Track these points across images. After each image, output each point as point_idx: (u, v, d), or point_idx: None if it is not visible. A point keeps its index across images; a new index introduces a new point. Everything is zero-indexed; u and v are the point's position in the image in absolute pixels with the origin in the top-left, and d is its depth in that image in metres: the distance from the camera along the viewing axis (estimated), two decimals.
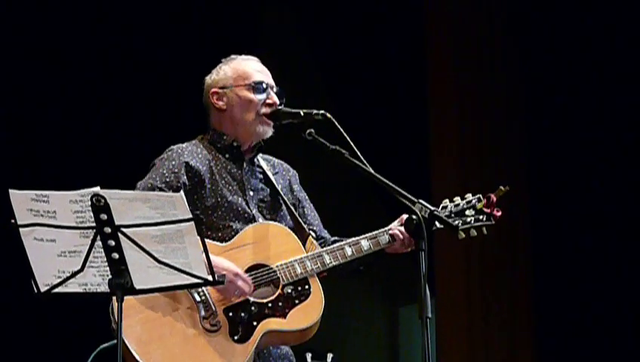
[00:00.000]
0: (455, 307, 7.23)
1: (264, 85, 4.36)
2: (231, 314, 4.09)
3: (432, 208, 3.95)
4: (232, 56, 4.48)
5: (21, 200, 3.45)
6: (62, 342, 6.65)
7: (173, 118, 6.72)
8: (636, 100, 6.98)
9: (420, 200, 4.01)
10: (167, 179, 4.22)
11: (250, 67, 4.41)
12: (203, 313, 4.06)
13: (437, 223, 4.02)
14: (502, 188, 4.38)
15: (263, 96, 4.35)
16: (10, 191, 3.45)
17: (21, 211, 3.45)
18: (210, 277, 3.54)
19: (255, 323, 4.09)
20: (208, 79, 4.45)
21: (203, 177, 4.26)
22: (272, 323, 4.11)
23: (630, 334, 6.92)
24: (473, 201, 4.40)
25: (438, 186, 7.25)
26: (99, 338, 4.45)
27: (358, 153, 4.07)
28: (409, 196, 4.04)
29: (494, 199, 4.38)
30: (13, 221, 3.45)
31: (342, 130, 4.11)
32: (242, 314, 4.10)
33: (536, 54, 7.25)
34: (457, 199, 4.41)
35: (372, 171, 4.06)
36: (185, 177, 4.24)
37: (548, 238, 7.16)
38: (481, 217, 4.39)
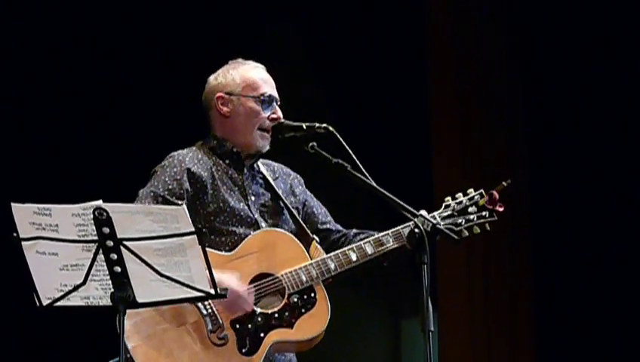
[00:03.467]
0: (457, 320, 7.21)
1: (271, 98, 4.37)
2: (238, 326, 4.09)
3: (434, 221, 3.96)
4: (240, 60, 4.47)
5: (23, 213, 3.45)
6: (69, 359, 6.63)
7: (177, 129, 6.70)
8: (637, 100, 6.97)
9: (422, 214, 4.02)
10: (170, 187, 4.21)
11: (259, 77, 4.41)
12: (210, 327, 4.06)
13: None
14: (504, 183, 4.38)
15: (269, 111, 4.36)
16: (13, 204, 3.45)
17: (23, 224, 3.45)
18: (212, 291, 3.54)
19: (262, 335, 4.09)
20: (213, 80, 4.43)
21: (205, 183, 4.26)
22: (279, 334, 4.11)
23: (636, 348, 6.90)
24: (475, 198, 4.38)
25: (440, 193, 7.22)
26: (107, 355, 4.43)
27: (361, 166, 4.07)
28: (411, 209, 4.06)
29: (496, 196, 4.37)
30: (15, 234, 3.45)
31: (344, 143, 4.12)
32: (249, 326, 4.09)
33: (539, 54, 7.23)
34: (460, 196, 4.39)
35: (374, 184, 4.06)
36: (187, 184, 4.23)
37: (551, 251, 7.14)
38: (484, 214, 4.38)
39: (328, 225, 4.45)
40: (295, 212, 4.38)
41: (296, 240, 4.27)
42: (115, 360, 4.23)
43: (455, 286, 7.22)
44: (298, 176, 4.56)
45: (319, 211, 4.49)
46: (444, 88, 7.38)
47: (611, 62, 7.01)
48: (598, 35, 7.03)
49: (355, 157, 4.07)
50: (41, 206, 3.46)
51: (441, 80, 7.38)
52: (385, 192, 4.02)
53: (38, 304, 3.51)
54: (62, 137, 6.89)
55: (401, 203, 4.05)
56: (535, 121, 7.26)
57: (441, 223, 4.27)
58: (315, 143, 4.19)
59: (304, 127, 4.27)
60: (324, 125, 4.23)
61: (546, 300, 7.13)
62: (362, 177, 4.06)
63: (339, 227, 4.48)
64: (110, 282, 3.49)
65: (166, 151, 4.41)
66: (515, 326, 7.20)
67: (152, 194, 4.19)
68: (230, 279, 4.05)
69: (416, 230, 3.86)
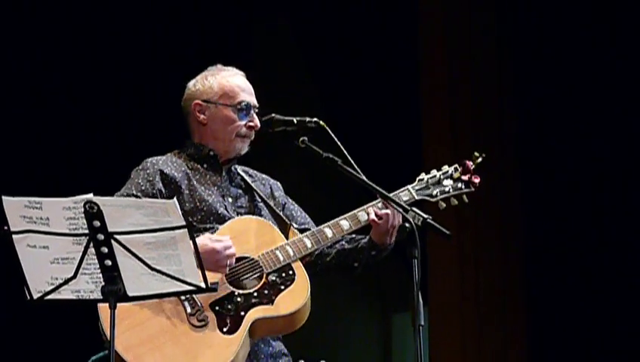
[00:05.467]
0: (448, 315, 7.23)
1: (248, 106, 4.39)
2: (217, 307, 4.10)
3: (425, 216, 3.96)
4: (219, 67, 4.49)
5: (14, 206, 3.45)
6: (52, 354, 6.62)
7: (164, 127, 6.71)
8: (630, 90, 6.97)
9: (413, 208, 4.03)
10: (143, 188, 4.26)
11: (236, 85, 4.43)
12: (189, 310, 4.07)
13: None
14: (476, 154, 4.43)
15: (245, 119, 4.38)
16: (3, 197, 3.45)
17: (14, 218, 3.45)
18: (203, 284, 3.54)
19: (243, 313, 4.10)
20: (192, 87, 4.46)
21: (179, 183, 4.30)
22: (260, 311, 4.11)
23: (627, 335, 6.91)
24: (449, 171, 4.45)
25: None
26: (90, 350, 4.44)
27: (352, 161, 4.09)
28: (402, 204, 4.08)
29: (469, 166, 4.42)
30: (6, 228, 3.46)
31: (335, 137, 4.13)
32: (229, 307, 4.10)
33: (530, 44, 7.24)
34: (433, 171, 4.44)
35: (365, 179, 4.08)
36: (160, 184, 4.28)
37: (543, 246, 7.15)
38: (459, 185, 4.44)
39: (306, 226, 4.47)
40: (275, 210, 4.40)
41: (271, 224, 4.31)
42: (99, 354, 4.25)
43: (446, 280, 7.24)
44: (277, 182, 4.60)
45: (297, 214, 4.51)
46: (434, 83, 7.39)
47: (604, 56, 7.02)
48: (586, 29, 7.05)
49: (345, 152, 4.09)
50: (31, 199, 3.46)
51: (431, 74, 7.40)
52: (375, 187, 4.04)
53: (28, 297, 3.52)
54: (53, 131, 6.90)
55: (392, 197, 4.08)
56: (524, 115, 7.27)
57: (416, 196, 4.33)
58: (305, 138, 4.21)
59: (295, 122, 4.30)
60: (315, 119, 4.25)
61: (537, 294, 7.15)
62: (353, 171, 4.08)
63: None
64: (101, 276, 3.50)
65: (157, 144, 4.44)
66: (506, 319, 7.22)
67: (124, 195, 4.24)
68: (205, 239, 4.07)
69: (407, 224, 3.87)
